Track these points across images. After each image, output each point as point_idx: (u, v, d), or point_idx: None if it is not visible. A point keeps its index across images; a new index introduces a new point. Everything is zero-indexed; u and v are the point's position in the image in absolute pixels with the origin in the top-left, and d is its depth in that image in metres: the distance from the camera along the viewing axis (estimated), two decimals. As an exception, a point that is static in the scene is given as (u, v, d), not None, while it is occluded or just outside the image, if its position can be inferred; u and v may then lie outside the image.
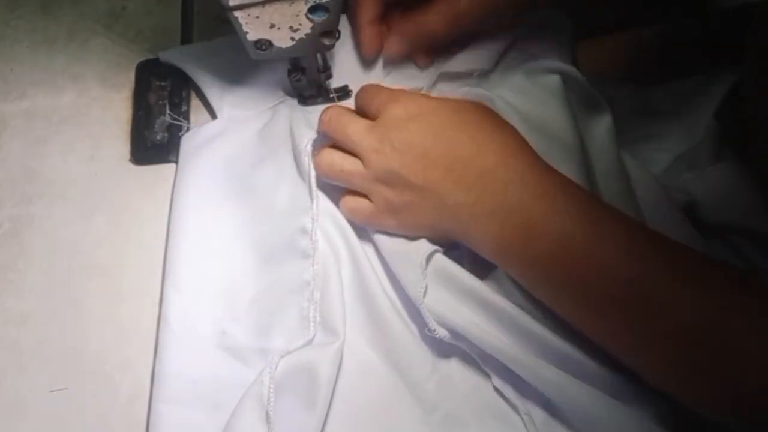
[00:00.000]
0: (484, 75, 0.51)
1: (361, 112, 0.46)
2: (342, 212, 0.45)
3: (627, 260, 0.36)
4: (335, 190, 0.46)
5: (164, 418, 0.42)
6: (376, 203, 0.43)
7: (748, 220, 0.50)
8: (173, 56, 0.53)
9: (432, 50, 0.51)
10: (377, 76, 0.52)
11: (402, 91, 0.44)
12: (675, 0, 0.64)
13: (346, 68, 0.52)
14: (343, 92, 0.51)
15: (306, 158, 0.46)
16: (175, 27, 0.57)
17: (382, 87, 0.46)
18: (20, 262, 0.48)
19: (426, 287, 0.41)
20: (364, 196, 0.44)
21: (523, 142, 0.41)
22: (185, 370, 0.43)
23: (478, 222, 0.39)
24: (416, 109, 0.42)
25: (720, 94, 0.53)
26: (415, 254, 0.42)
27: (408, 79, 0.51)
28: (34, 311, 0.47)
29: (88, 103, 0.54)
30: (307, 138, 0.46)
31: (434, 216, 0.41)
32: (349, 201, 0.45)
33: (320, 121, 0.45)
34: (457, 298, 0.41)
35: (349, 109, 0.46)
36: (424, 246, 0.42)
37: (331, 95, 0.51)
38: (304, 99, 0.51)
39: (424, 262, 0.41)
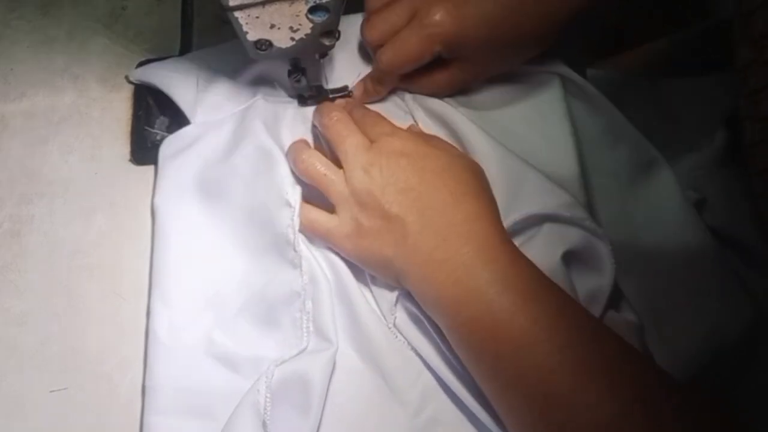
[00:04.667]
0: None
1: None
2: (301, 222, 0.45)
3: (547, 348, 0.37)
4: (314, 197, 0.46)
5: (157, 430, 0.42)
6: (341, 221, 0.44)
7: (739, 230, 0.49)
8: (141, 74, 0.53)
9: None
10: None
11: (402, 130, 0.46)
12: (692, 5, 0.64)
13: (345, 69, 0.52)
14: (343, 92, 0.51)
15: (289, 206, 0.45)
16: (175, 27, 0.57)
17: (385, 118, 0.48)
18: (20, 262, 0.48)
19: (395, 317, 0.43)
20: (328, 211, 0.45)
21: (495, 211, 0.43)
22: (176, 381, 0.43)
23: (428, 268, 0.40)
24: (411, 149, 0.44)
25: (732, 96, 0.53)
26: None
27: None
28: (34, 311, 0.47)
29: (88, 103, 0.54)
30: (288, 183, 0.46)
31: (391, 250, 0.42)
32: (312, 212, 0.45)
33: (323, 118, 0.46)
34: (420, 332, 0.43)
35: (350, 120, 0.46)
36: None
37: (331, 96, 0.51)
38: (304, 100, 0.51)
39: (394, 298, 0.43)
